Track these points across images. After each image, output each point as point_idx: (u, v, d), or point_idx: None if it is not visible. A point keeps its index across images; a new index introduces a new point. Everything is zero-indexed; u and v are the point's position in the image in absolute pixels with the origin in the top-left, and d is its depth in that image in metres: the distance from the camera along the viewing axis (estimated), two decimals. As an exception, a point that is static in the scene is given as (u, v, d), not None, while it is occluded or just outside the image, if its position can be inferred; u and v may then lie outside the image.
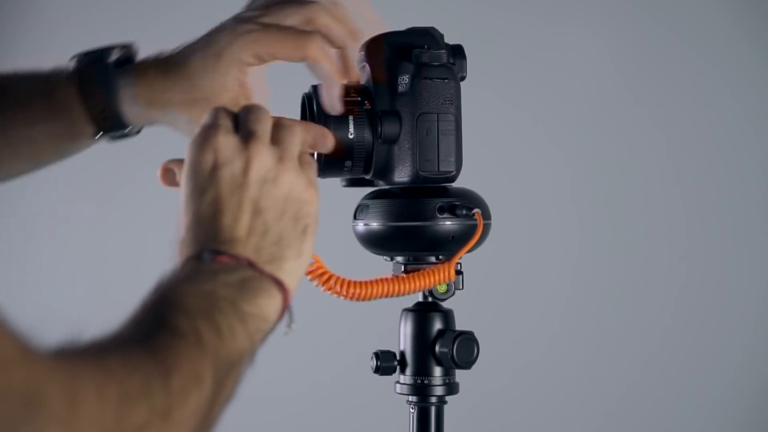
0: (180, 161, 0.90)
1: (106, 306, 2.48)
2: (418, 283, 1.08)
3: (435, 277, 1.08)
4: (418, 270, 1.09)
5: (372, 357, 1.12)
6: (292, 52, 0.98)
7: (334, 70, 1.01)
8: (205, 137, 0.86)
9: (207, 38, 1.00)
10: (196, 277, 0.80)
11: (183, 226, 0.85)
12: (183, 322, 0.76)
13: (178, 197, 0.87)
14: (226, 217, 0.84)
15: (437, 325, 1.11)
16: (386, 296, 1.07)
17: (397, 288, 1.07)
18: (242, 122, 0.88)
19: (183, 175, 0.86)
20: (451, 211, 1.06)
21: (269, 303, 0.82)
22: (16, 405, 0.64)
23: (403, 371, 1.11)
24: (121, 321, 0.76)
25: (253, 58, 0.98)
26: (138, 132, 1.05)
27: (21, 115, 1.02)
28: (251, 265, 0.83)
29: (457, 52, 1.10)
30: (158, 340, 0.74)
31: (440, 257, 1.09)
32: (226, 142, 0.86)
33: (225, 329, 0.78)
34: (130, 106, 1.01)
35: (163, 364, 0.72)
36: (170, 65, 1.00)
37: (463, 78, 1.09)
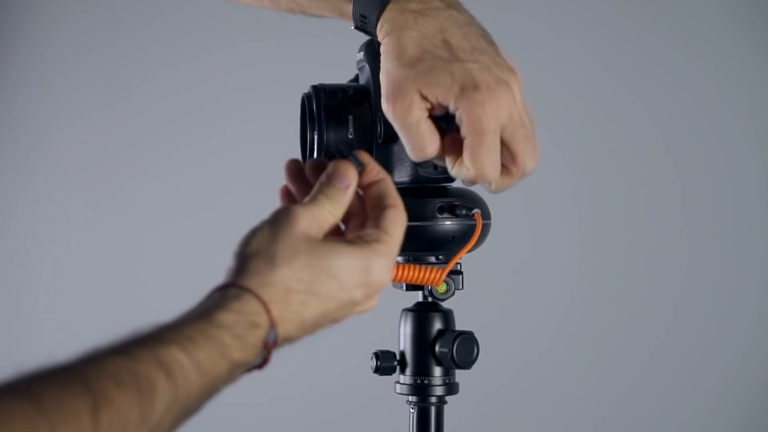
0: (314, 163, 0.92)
1: (104, 308, 2.48)
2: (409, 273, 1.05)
3: (428, 275, 1.06)
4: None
5: (372, 357, 1.11)
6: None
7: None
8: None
9: None
10: (216, 336, 0.79)
11: (258, 257, 0.84)
12: (116, 392, 0.71)
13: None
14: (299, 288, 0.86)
15: (437, 325, 1.10)
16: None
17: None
18: (381, 222, 0.90)
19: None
20: (451, 211, 1.06)
21: (239, 374, 0.82)
22: None
23: (403, 371, 1.11)
24: (86, 352, 0.73)
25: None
26: None
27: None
28: (266, 347, 0.83)
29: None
30: (72, 401, 0.69)
31: (440, 257, 1.09)
32: None
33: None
34: None
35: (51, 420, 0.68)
36: None
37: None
